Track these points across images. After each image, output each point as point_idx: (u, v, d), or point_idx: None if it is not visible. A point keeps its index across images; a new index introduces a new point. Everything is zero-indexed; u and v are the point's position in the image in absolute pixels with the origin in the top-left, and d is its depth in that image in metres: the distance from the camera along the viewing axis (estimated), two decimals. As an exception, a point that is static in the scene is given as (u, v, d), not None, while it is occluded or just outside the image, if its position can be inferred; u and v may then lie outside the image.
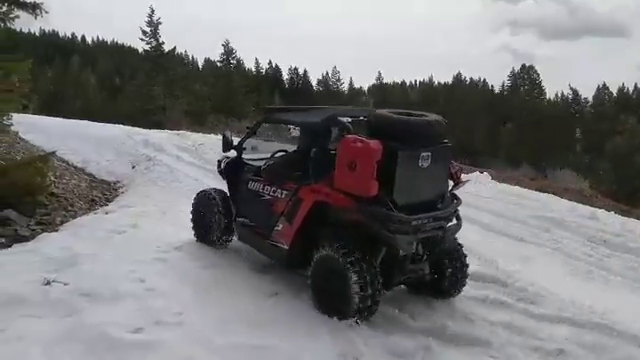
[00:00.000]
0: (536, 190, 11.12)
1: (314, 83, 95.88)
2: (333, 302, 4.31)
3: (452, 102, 73.07)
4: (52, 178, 8.46)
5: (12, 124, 8.49)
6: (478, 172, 11.64)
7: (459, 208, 4.64)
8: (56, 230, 6.42)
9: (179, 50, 53.53)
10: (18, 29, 8.79)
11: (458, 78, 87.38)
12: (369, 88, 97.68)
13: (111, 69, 67.63)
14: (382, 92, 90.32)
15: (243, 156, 5.70)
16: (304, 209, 4.62)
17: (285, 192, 4.91)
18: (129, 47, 71.22)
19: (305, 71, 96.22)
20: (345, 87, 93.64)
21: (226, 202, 5.77)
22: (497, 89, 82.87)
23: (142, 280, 4.79)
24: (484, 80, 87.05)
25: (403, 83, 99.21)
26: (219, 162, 5.95)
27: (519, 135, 61.88)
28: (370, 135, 4.19)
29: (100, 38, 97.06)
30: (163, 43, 38.43)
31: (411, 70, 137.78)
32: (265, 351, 3.72)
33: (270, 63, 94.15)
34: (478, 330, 4.24)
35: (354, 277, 4.12)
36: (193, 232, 6.04)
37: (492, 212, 8.10)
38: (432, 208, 4.34)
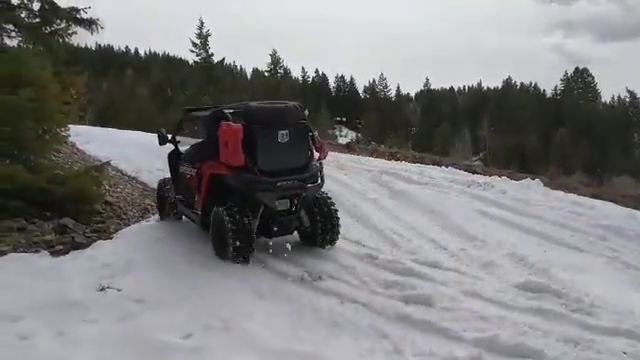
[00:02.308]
0: (591, 197, 10.76)
1: (361, 90, 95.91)
2: (220, 246, 5.62)
3: (503, 108, 71.72)
4: (107, 187, 8.73)
5: (70, 135, 8.83)
6: (529, 178, 11.31)
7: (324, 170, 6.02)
8: (110, 238, 6.61)
9: (228, 61, 54.49)
10: (76, 44, 9.17)
11: (508, 82, 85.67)
12: (416, 95, 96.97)
13: (163, 80, 69.51)
14: (430, 98, 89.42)
15: (179, 147, 7.07)
16: (205, 181, 5.94)
17: (195, 170, 6.28)
18: (180, 59, 73.09)
19: (352, 78, 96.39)
20: (392, 94, 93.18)
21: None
22: (549, 93, 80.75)
23: (193, 286, 4.89)
24: (535, 84, 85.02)
25: (451, 89, 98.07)
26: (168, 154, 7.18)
27: (573, 140, 60.02)
28: (245, 121, 5.50)
29: (152, 51, 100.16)
30: (212, 54, 39.17)
31: (460, 73, 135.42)
32: (311, 359, 3.72)
33: (317, 71, 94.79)
34: (531, 341, 4.10)
35: (230, 227, 5.39)
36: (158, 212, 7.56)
37: (545, 220, 7.85)
38: (297, 172, 5.63)
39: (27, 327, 4.03)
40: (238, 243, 5.41)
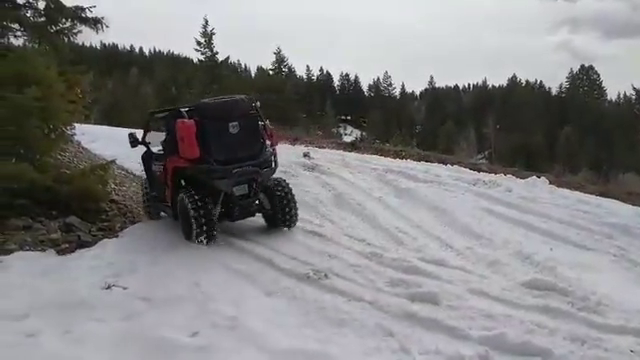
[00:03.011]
0: (598, 195, 10.69)
1: (365, 89, 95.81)
2: (185, 229, 6.14)
3: (508, 106, 71.48)
4: (112, 185, 8.76)
5: (75, 134, 8.84)
6: (535, 176, 11.24)
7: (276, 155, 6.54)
8: (116, 236, 6.63)
9: (232, 59, 54.49)
10: (80, 43, 9.19)
11: (513, 81, 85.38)
12: (421, 93, 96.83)
13: (167, 79, 69.53)
14: (434, 97, 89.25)
15: (151, 147, 7.28)
16: (170, 174, 6.45)
17: (162, 166, 6.71)
18: (184, 57, 73.16)
19: (356, 77, 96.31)
20: (397, 92, 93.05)
21: None
22: (555, 91, 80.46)
23: (197, 284, 4.89)
24: (540, 82, 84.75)
25: (456, 87, 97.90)
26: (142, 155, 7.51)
27: (578, 138, 59.76)
28: (198, 117, 5.99)
29: (157, 49, 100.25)
30: (217, 53, 39.19)
31: (464, 72, 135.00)
32: (320, 358, 3.70)
33: (321, 70, 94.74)
34: (537, 339, 4.09)
35: (192, 212, 5.90)
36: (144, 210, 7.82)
37: (551, 218, 7.81)
38: (251, 159, 6.14)
39: (33, 325, 4.04)
40: (200, 226, 5.93)
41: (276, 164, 6.50)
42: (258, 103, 6.63)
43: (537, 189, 9.77)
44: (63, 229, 6.54)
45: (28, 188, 6.57)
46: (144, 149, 7.31)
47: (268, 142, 6.53)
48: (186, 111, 6.20)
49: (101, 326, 4.08)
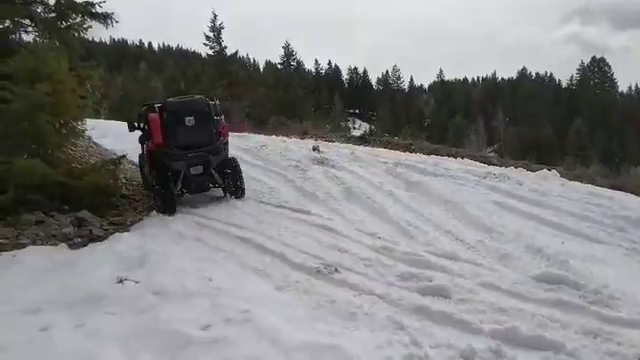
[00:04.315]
0: (609, 187, 10.60)
1: (374, 82, 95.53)
2: (154, 202, 7.70)
3: (517, 99, 70.97)
4: (123, 180, 8.81)
5: (86, 129, 8.88)
6: (546, 170, 11.16)
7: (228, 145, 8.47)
8: (127, 230, 6.68)
9: (241, 53, 54.39)
10: (90, 38, 9.22)
11: (523, 73, 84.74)
12: (430, 86, 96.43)
13: (177, 74, 69.64)
14: (444, 90, 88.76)
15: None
16: (148, 156, 8.11)
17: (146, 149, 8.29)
18: (193, 52, 73.21)
19: (365, 70, 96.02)
20: (405, 85, 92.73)
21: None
22: (565, 83, 79.76)
23: (210, 278, 4.91)
24: (550, 74, 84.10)
25: (465, 80, 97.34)
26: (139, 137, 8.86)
27: (589, 131, 59.22)
28: (167, 112, 7.63)
29: (166, 44, 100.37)
30: (226, 47, 39.11)
31: (474, 64, 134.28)
32: (332, 351, 3.70)
33: (329, 63, 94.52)
34: (550, 333, 4.06)
35: (157, 188, 7.57)
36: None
37: (562, 211, 7.75)
38: (204, 147, 7.76)
39: (46, 319, 4.08)
40: (162, 199, 7.52)
41: (225, 151, 8.23)
42: (218, 102, 8.30)
43: (548, 182, 9.70)
44: (75, 223, 6.60)
45: (40, 183, 6.62)
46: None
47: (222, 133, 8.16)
48: (158, 107, 7.74)
49: (113, 319, 4.11)
